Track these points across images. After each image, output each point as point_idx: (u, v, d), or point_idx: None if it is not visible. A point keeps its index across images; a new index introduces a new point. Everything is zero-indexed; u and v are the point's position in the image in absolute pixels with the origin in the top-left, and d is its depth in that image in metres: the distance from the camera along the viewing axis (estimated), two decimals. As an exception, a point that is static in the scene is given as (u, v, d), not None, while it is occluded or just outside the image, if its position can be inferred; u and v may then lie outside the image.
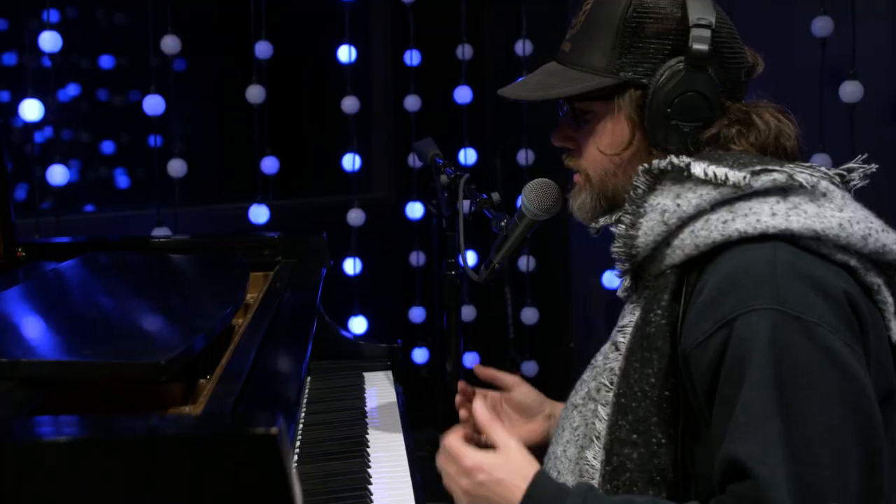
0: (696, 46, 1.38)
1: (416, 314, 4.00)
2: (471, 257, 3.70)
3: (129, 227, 3.72)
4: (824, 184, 1.35)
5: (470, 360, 4.11)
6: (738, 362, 1.26)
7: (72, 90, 4.11)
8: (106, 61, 4.20)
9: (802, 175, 1.33)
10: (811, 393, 1.23)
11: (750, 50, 1.49)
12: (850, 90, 2.92)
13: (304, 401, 2.17)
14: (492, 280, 1.90)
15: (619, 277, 1.50)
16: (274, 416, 0.90)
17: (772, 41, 3.26)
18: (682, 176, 1.37)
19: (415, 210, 3.92)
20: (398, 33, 4.02)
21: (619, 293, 1.52)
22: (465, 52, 3.84)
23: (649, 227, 1.39)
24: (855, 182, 1.42)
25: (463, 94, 3.86)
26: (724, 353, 1.27)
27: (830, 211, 1.32)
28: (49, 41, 3.08)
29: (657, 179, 1.40)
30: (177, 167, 3.31)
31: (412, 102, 3.82)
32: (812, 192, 1.33)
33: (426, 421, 4.24)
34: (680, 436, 1.36)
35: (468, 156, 3.93)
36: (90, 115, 4.19)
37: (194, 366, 1.54)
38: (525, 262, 3.97)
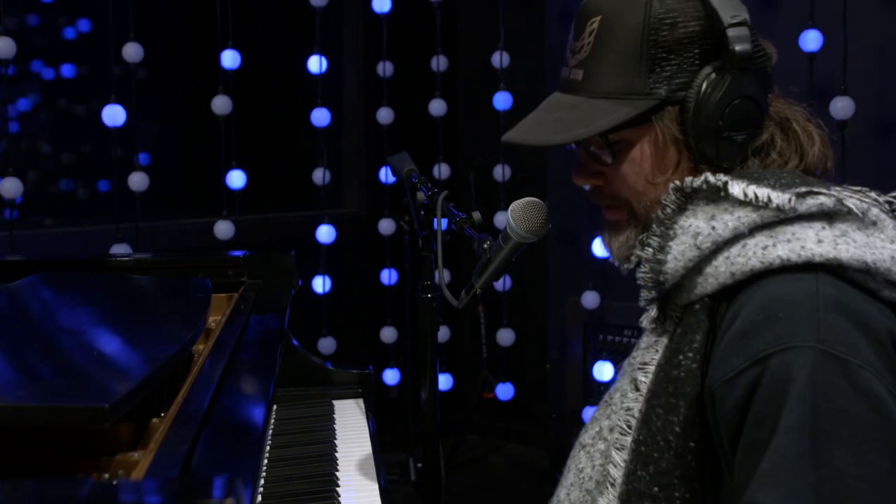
0: (740, 48, 1.24)
1: (387, 334, 3.86)
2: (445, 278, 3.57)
3: (87, 243, 3.56)
4: (875, 211, 1.21)
5: (443, 382, 3.98)
6: (771, 405, 1.12)
7: (31, 99, 3.97)
8: (67, 70, 4.06)
9: (852, 200, 1.20)
10: (851, 442, 1.09)
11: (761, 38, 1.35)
12: (841, 106, 2.82)
13: (270, 433, 2.03)
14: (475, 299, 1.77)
15: (645, 307, 1.34)
16: (232, 483, 0.76)
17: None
18: (717, 196, 1.23)
19: (387, 226, 3.79)
20: (371, 44, 3.91)
21: (645, 324, 1.37)
22: (439, 63, 3.73)
23: (680, 252, 1.25)
24: None
25: (437, 107, 3.74)
26: (755, 394, 1.14)
27: (881, 242, 1.19)
28: (4, 48, 2.92)
29: (689, 198, 1.26)
30: (138, 181, 3.15)
31: (385, 115, 3.70)
32: (861, 220, 1.20)
33: (396, 443, 4.13)
34: (705, 490, 1.22)
35: (442, 170, 3.81)
36: (49, 125, 4.04)
37: (147, 403, 1.40)
38: (501, 282, 3.84)
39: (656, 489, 1.23)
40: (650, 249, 1.27)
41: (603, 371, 3.71)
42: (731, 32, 1.24)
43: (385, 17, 3.67)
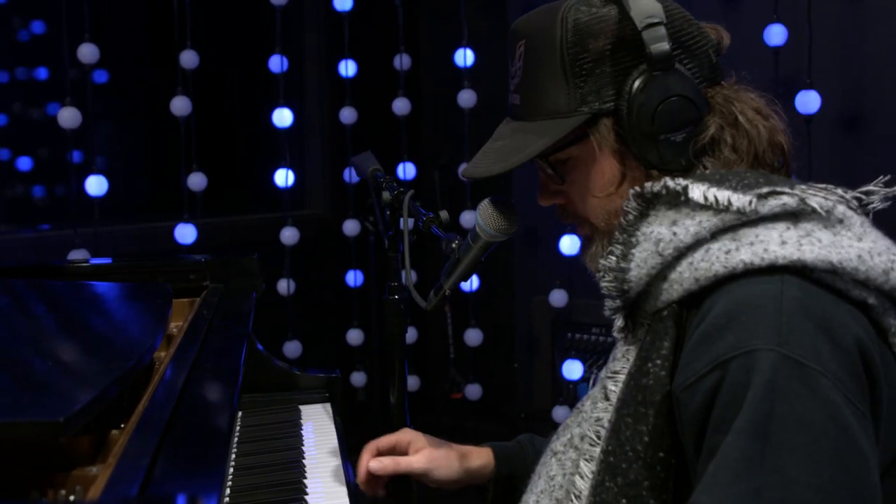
0: (656, 48, 1.22)
1: (354, 337, 3.82)
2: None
3: (45, 248, 3.48)
4: (841, 209, 1.18)
5: (411, 383, 3.94)
6: (728, 409, 1.09)
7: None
8: (21, 73, 3.98)
9: (816, 199, 1.17)
10: (805, 449, 1.05)
11: (710, 25, 1.32)
12: (807, 100, 2.81)
13: (235, 440, 1.98)
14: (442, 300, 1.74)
15: (611, 316, 1.30)
16: (191, 501, 0.71)
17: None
18: (678, 200, 1.20)
19: (352, 227, 3.74)
20: (333, 42, 3.85)
21: (615, 333, 1.33)
22: (402, 61, 3.69)
23: (642, 259, 1.21)
24: (874, 205, 1.25)
25: (401, 106, 3.69)
26: (716, 398, 1.11)
27: (848, 240, 1.16)
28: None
29: (650, 204, 1.22)
30: (96, 185, 3.08)
31: (348, 114, 3.65)
32: (827, 219, 1.17)
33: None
34: (675, 502, 1.18)
35: (407, 170, 3.77)
36: (6, 130, 3.96)
37: (105, 414, 1.34)
38: (468, 282, 3.80)
39: (624, 501, 1.19)
40: (613, 258, 1.24)
41: (572, 370, 3.68)
42: (645, 35, 1.22)
43: (347, 15, 3.62)
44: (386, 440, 1.70)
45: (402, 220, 1.95)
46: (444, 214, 1.90)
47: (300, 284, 3.64)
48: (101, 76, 3.88)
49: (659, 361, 1.19)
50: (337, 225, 3.80)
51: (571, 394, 3.74)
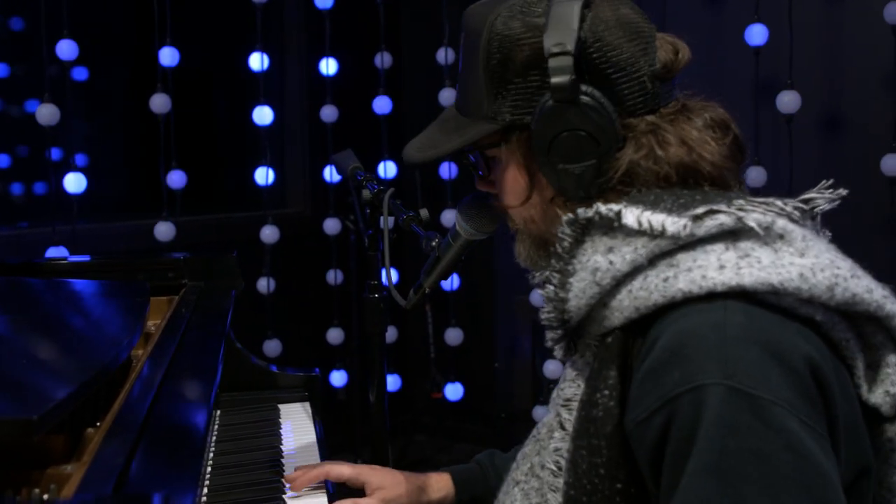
0: (556, 80, 1.17)
1: (334, 336, 3.81)
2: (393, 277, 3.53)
3: (22, 245, 3.45)
4: (781, 223, 1.14)
5: (391, 382, 3.93)
6: (679, 447, 1.06)
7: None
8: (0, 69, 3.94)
9: (754, 215, 1.13)
10: (763, 483, 1.03)
11: (668, 40, 1.26)
12: (787, 100, 2.82)
13: (213, 439, 1.96)
14: (418, 302, 1.73)
15: (552, 346, 1.27)
16: (165, 500, 0.70)
17: (704, 50, 3.15)
18: (612, 225, 1.16)
19: (332, 226, 3.73)
20: (313, 40, 3.84)
21: (559, 359, 1.32)
22: (383, 60, 3.68)
23: (580, 290, 1.18)
24: (821, 207, 1.22)
25: (382, 105, 3.69)
26: (668, 434, 1.08)
27: (790, 257, 1.12)
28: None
29: (584, 231, 1.19)
30: (74, 182, 3.06)
31: (329, 113, 3.63)
32: (767, 235, 1.13)
33: (343, 446, 4.06)
34: None
35: (388, 169, 3.76)
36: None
37: (80, 412, 1.33)
38: (449, 281, 3.80)
39: None
40: (551, 287, 1.20)
41: (552, 370, 3.68)
42: (551, 63, 1.18)
43: (328, 12, 3.60)
44: (339, 471, 1.68)
45: (381, 218, 1.95)
46: (424, 213, 1.90)
47: (280, 283, 3.62)
48: (80, 73, 3.84)
49: (607, 392, 1.16)
50: (317, 223, 3.79)
51: (552, 394, 3.73)
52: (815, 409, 1.07)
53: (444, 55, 3.60)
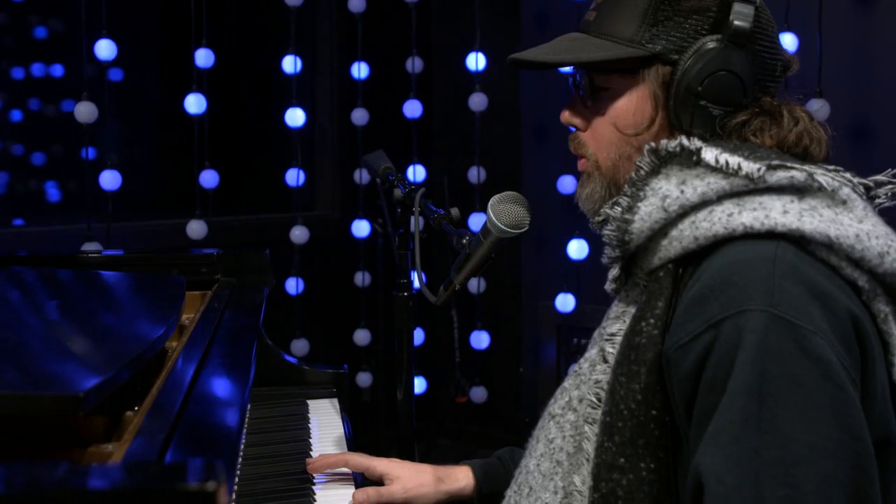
0: (738, 23, 1.26)
1: (361, 336, 3.84)
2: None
3: (58, 242, 3.51)
4: (846, 191, 1.22)
5: (416, 385, 3.95)
6: (721, 369, 1.12)
7: (1, 100, 3.91)
8: (38, 69, 4.01)
9: (824, 177, 1.21)
10: (799, 408, 1.08)
11: (785, 50, 1.36)
12: (817, 108, 2.83)
13: (244, 431, 2.00)
14: (449, 302, 1.76)
15: (608, 265, 1.34)
16: (212, 466, 0.74)
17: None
18: (690, 161, 1.24)
19: (361, 228, 3.76)
20: (345, 44, 3.88)
21: (607, 287, 1.37)
22: (414, 64, 3.71)
23: (647, 213, 1.25)
24: (881, 200, 1.29)
25: (412, 109, 3.72)
26: (707, 359, 1.14)
27: (849, 220, 1.20)
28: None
29: (663, 162, 1.26)
30: (109, 179, 3.11)
31: (359, 116, 3.67)
32: (831, 197, 1.20)
33: (368, 447, 4.08)
34: (670, 460, 1.21)
35: (417, 172, 3.80)
36: (20, 126, 3.98)
37: (120, 396, 1.37)
38: (475, 284, 3.83)
39: (622, 460, 1.21)
40: (619, 208, 1.28)
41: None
42: (736, 7, 1.26)
43: (360, 16, 3.65)
44: (358, 461, 1.71)
45: (412, 217, 1.98)
46: (454, 212, 1.92)
47: (309, 284, 3.66)
48: (116, 74, 3.91)
49: (652, 320, 1.22)
50: (346, 226, 3.83)
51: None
52: (851, 356, 1.12)
53: (474, 60, 3.63)
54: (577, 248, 3.47)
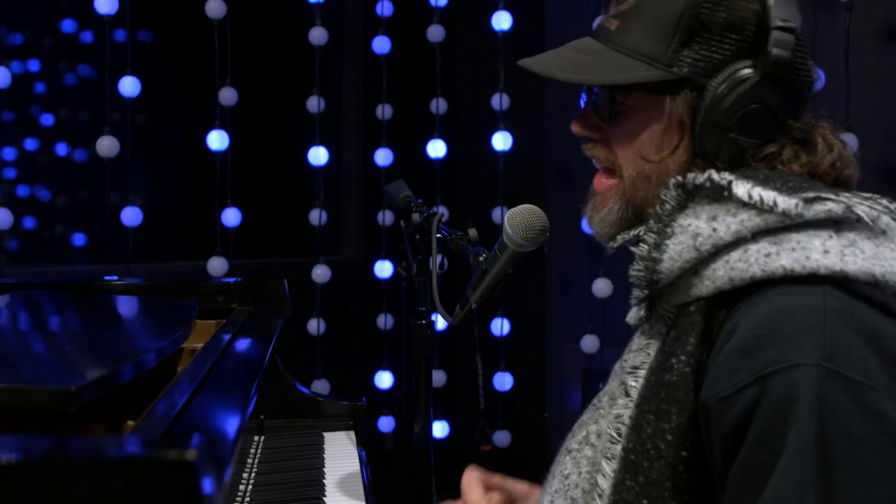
0: (777, 52, 1.17)
1: (383, 379, 3.78)
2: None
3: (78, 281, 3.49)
4: (885, 220, 1.14)
5: (440, 429, 3.89)
6: (773, 426, 1.05)
7: (29, 144, 3.94)
8: (65, 113, 4.04)
9: (862, 207, 1.12)
10: (857, 467, 1.02)
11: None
12: (847, 142, 2.78)
13: (256, 460, 1.95)
14: (465, 320, 1.70)
15: (634, 305, 1.27)
16: (189, 436, 0.69)
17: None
18: (720, 195, 1.16)
19: (384, 269, 3.73)
20: (371, 85, 3.88)
21: (631, 320, 1.30)
22: (439, 105, 3.70)
23: (677, 252, 1.17)
24: None
25: (436, 149, 3.70)
26: (755, 414, 1.06)
27: (891, 252, 1.12)
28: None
29: (690, 196, 1.18)
30: (131, 216, 3.09)
31: (383, 156, 3.66)
32: (870, 228, 1.13)
33: (393, 499, 4.00)
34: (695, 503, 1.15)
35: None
36: (47, 170, 4.01)
37: (123, 407, 1.33)
38: (499, 326, 3.78)
39: (645, 501, 1.14)
40: (646, 246, 1.20)
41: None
42: (775, 35, 1.18)
43: (385, 57, 3.65)
44: (499, 482, 1.58)
45: (431, 241, 1.94)
46: (472, 232, 1.88)
47: (331, 325, 3.62)
48: (143, 120, 3.93)
49: (683, 357, 1.15)
50: (369, 268, 3.79)
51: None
52: None
53: (498, 100, 3.62)
54: (602, 287, 3.41)
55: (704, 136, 1.21)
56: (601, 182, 1.32)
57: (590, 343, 3.54)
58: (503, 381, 3.80)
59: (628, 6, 1.26)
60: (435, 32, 3.67)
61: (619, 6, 1.28)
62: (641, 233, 1.23)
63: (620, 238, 1.26)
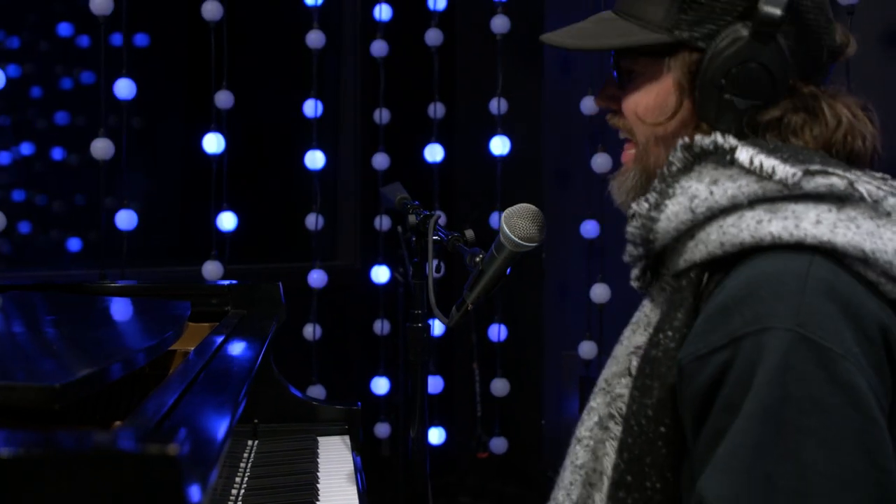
0: (767, 9, 1.16)
1: (379, 385, 3.75)
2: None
3: (71, 285, 3.46)
4: (892, 201, 1.12)
5: (437, 435, 3.86)
6: (738, 389, 1.03)
7: (25, 149, 3.92)
8: (61, 117, 4.02)
9: (867, 186, 1.11)
10: (822, 436, 0.99)
11: (842, 27, 1.25)
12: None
13: (249, 464, 1.93)
14: (462, 323, 1.68)
15: (630, 264, 1.27)
16: (174, 431, 0.66)
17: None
18: (724, 160, 1.16)
19: (380, 274, 3.70)
20: (368, 88, 3.86)
21: (632, 284, 1.29)
22: (436, 109, 3.68)
23: (673, 213, 1.17)
24: None
25: (434, 153, 3.68)
26: (725, 376, 1.05)
27: (891, 234, 1.10)
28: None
29: (697, 159, 1.18)
30: (125, 219, 3.06)
31: (381, 161, 3.63)
32: (874, 208, 1.11)
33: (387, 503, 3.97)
34: (678, 481, 1.12)
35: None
36: (43, 175, 3.99)
37: (113, 407, 1.31)
38: (496, 332, 3.75)
39: (629, 478, 1.13)
40: (646, 204, 1.20)
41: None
42: None
43: (382, 61, 3.62)
44: None
45: (427, 242, 1.92)
46: (469, 233, 1.86)
47: (327, 330, 3.59)
48: (139, 124, 3.90)
49: (670, 333, 1.14)
50: (366, 275, 3.77)
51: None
52: (882, 381, 1.03)
53: (496, 105, 3.59)
54: (600, 293, 3.38)
55: (703, 97, 1.21)
56: (625, 153, 1.32)
57: (588, 349, 3.51)
58: (500, 387, 3.77)
59: None
60: (433, 36, 3.65)
61: None
62: (646, 195, 1.23)
63: (635, 205, 1.25)
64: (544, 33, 1.32)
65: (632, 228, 1.22)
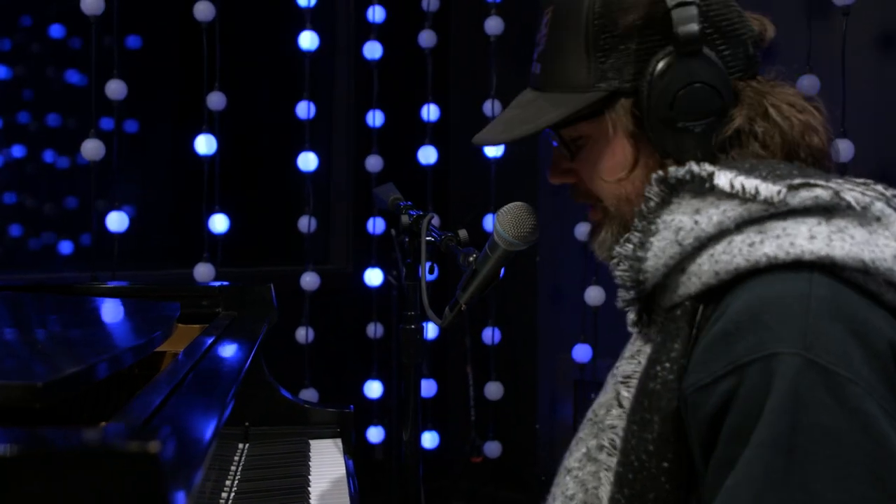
0: (684, 29, 1.14)
1: (372, 389, 3.73)
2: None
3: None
4: (879, 206, 1.09)
5: (430, 439, 3.84)
6: (745, 418, 1.01)
7: (16, 151, 3.89)
8: (53, 119, 3.99)
9: (852, 194, 1.07)
10: (831, 463, 0.97)
11: (754, 15, 1.23)
12: (842, 148, 2.75)
13: (240, 467, 1.90)
14: (455, 325, 1.66)
15: (624, 309, 1.23)
16: (157, 429, 0.64)
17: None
18: (703, 187, 1.12)
19: (373, 277, 3.68)
20: (361, 91, 3.84)
21: (629, 328, 1.26)
22: (430, 111, 3.66)
23: (661, 248, 1.13)
24: None
25: (427, 155, 3.66)
26: (731, 405, 1.02)
27: (885, 239, 1.07)
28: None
29: (673, 191, 1.14)
30: (116, 221, 3.04)
31: (374, 163, 3.61)
32: (863, 215, 1.08)
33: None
34: None
35: (432, 220, 3.71)
36: (35, 178, 3.96)
37: (100, 408, 1.28)
38: (490, 335, 3.73)
39: None
40: (630, 245, 1.17)
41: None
42: (675, 14, 1.15)
43: (376, 63, 3.61)
44: None
45: (420, 242, 1.90)
46: (463, 233, 1.84)
47: (320, 334, 3.57)
48: (131, 126, 3.88)
49: (668, 364, 1.11)
50: (359, 278, 3.74)
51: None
52: (893, 396, 1.00)
53: (490, 107, 3.58)
54: (594, 296, 3.37)
55: (657, 135, 1.19)
56: (593, 211, 1.30)
57: (582, 352, 3.49)
58: (493, 390, 3.75)
59: (542, 48, 1.27)
60: (427, 38, 3.63)
61: (537, 49, 1.28)
62: (627, 235, 1.19)
63: (619, 247, 1.21)
64: (482, 131, 1.30)
65: (619, 272, 1.18)
